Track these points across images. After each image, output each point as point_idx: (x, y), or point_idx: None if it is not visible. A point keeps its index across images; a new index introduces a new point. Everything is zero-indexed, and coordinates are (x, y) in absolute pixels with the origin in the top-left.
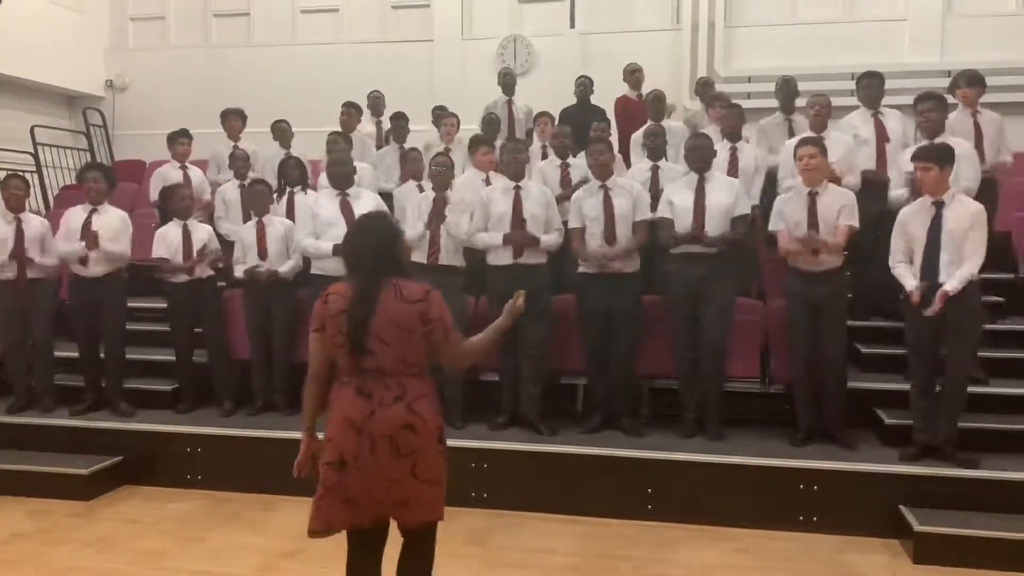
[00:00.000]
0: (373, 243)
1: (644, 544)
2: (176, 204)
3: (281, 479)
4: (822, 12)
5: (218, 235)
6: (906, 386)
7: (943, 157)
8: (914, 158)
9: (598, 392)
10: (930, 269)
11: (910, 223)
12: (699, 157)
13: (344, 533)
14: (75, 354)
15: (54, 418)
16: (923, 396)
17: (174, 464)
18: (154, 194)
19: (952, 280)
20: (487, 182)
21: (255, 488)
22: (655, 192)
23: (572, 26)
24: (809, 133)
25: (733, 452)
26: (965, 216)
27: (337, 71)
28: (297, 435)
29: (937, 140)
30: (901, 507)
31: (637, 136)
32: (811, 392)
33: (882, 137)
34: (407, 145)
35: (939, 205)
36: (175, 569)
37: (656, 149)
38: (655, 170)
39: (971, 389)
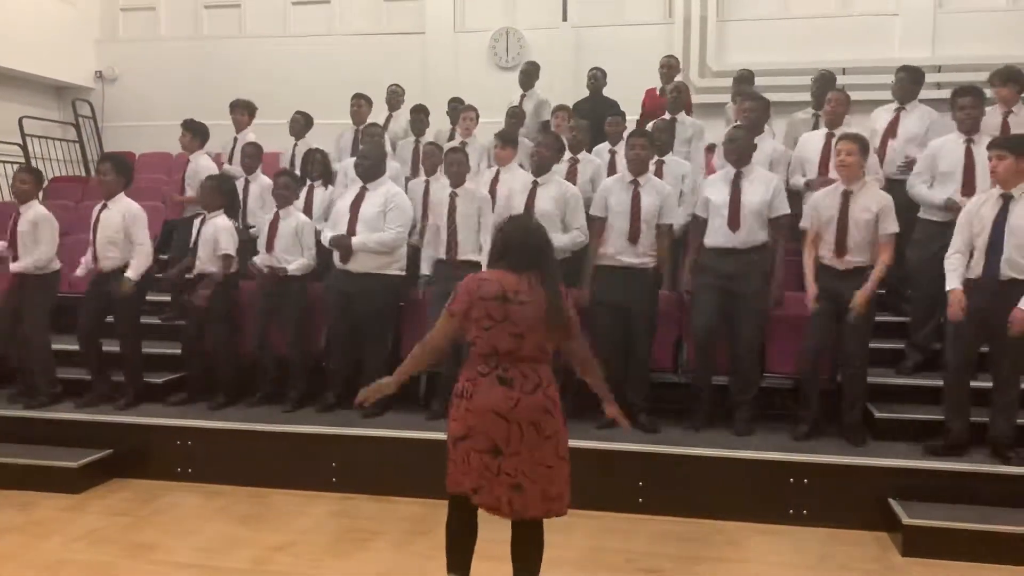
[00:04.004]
0: (541, 241)
1: (637, 537)
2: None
3: (274, 472)
4: (814, 7)
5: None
6: (897, 380)
7: (1019, 147)
8: (989, 147)
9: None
10: (992, 264)
11: (976, 215)
12: (736, 150)
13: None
14: (73, 347)
15: (44, 411)
16: (954, 390)
17: (165, 457)
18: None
19: None
20: (496, 177)
21: (247, 481)
22: None
23: (564, 19)
24: (823, 129)
25: (725, 445)
26: None
27: (329, 63)
28: (290, 428)
29: (974, 136)
30: (890, 500)
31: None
32: (816, 387)
33: (889, 133)
34: (424, 138)
35: (1007, 199)
36: (167, 562)
37: (662, 144)
38: (660, 165)
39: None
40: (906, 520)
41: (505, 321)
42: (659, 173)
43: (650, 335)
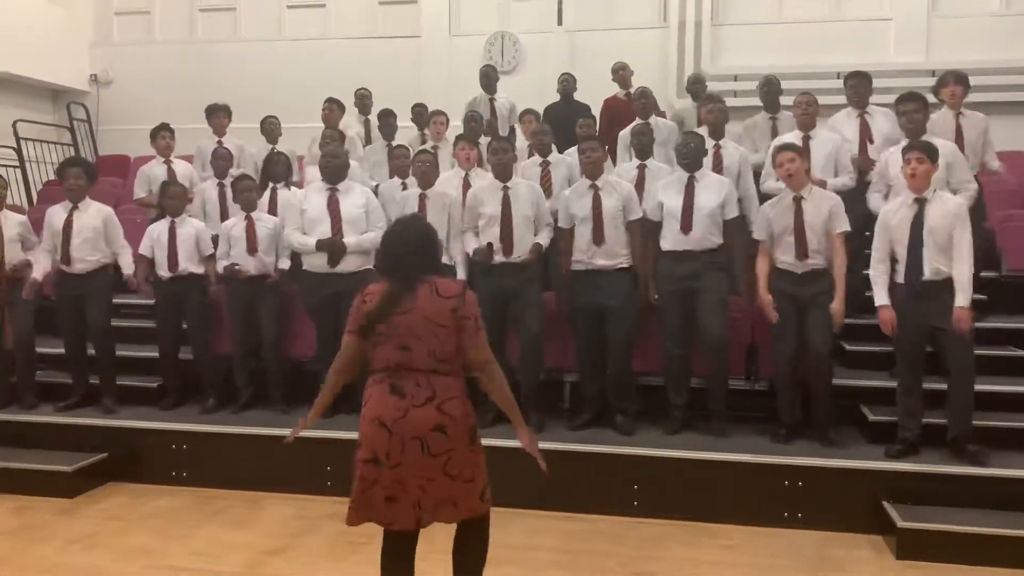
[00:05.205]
0: (410, 245)
1: (631, 541)
2: (164, 201)
3: (268, 476)
4: (808, 11)
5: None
6: (891, 383)
7: (933, 153)
8: (907, 149)
9: (588, 389)
10: (914, 267)
11: (892, 222)
12: (688, 155)
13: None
14: (60, 350)
15: (38, 414)
16: (908, 394)
17: (159, 461)
18: (139, 191)
19: (960, 295)
20: (466, 179)
21: (241, 485)
22: (642, 191)
23: (559, 23)
24: (796, 132)
25: (719, 448)
26: (946, 213)
27: (324, 67)
28: (284, 432)
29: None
30: (884, 503)
31: (624, 135)
32: (794, 390)
33: (865, 137)
34: (395, 142)
35: (921, 202)
36: (161, 566)
37: (643, 148)
38: (642, 169)
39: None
40: (901, 523)
41: (391, 334)
42: (641, 177)
43: (628, 337)
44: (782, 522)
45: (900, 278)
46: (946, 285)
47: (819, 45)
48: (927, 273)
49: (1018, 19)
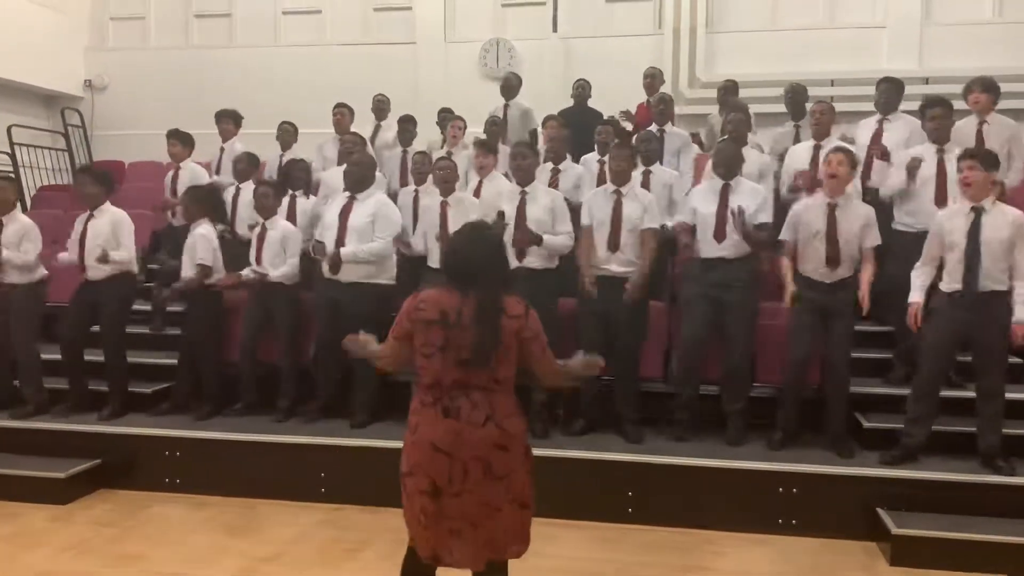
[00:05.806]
0: (486, 256)
1: (625, 547)
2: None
3: (261, 482)
4: (802, 18)
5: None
6: (886, 390)
7: (989, 161)
8: (962, 157)
9: (586, 395)
10: (971, 277)
11: (946, 228)
12: (724, 163)
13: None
14: (58, 356)
15: (30, 420)
16: (920, 401)
17: (153, 467)
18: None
19: (1018, 309)
20: (479, 186)
21: (235, 492)
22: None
23: (555, 30)
24: (811, 141)
25: (712, 455)
26: (1004, 224)
27: (319, 73)
28: (279, 438)
29: (945, 146)
30: (879, 510)
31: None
32: (799, 395)
33: (874, 143)
34: (412, 149)
35: (979, 211)
36: (154, 573)
37: (648, 155)
38: (647, 175)
39: (947, 393)
40: (895, 530)
41: (447, 348)
42: (646, 183)
43: (637, 343)
44: (776, 529)
45: (944, 285)
46: (991, 298)
47: (813, 52)
48: (983, 284)
49: (1011, 26)
